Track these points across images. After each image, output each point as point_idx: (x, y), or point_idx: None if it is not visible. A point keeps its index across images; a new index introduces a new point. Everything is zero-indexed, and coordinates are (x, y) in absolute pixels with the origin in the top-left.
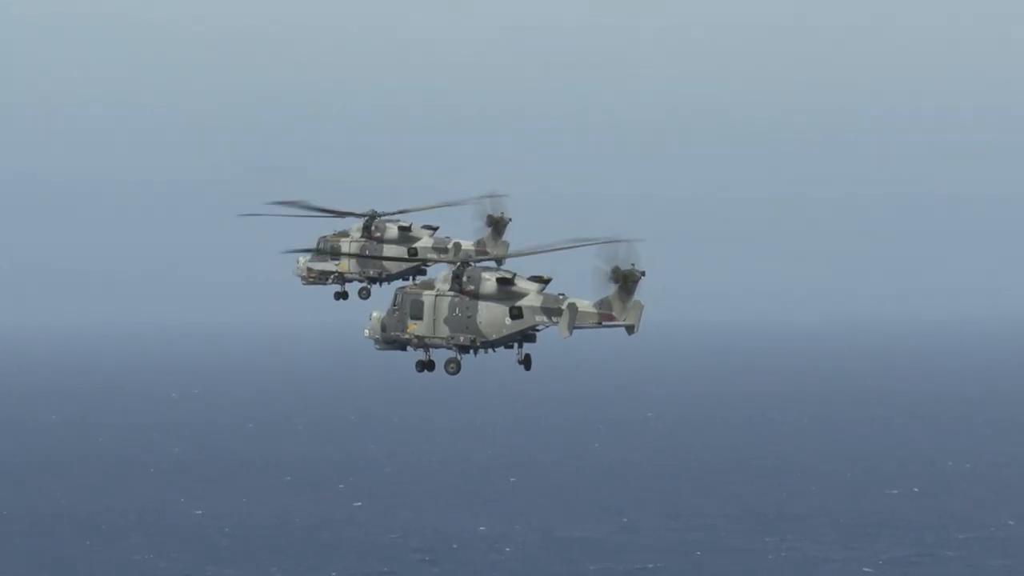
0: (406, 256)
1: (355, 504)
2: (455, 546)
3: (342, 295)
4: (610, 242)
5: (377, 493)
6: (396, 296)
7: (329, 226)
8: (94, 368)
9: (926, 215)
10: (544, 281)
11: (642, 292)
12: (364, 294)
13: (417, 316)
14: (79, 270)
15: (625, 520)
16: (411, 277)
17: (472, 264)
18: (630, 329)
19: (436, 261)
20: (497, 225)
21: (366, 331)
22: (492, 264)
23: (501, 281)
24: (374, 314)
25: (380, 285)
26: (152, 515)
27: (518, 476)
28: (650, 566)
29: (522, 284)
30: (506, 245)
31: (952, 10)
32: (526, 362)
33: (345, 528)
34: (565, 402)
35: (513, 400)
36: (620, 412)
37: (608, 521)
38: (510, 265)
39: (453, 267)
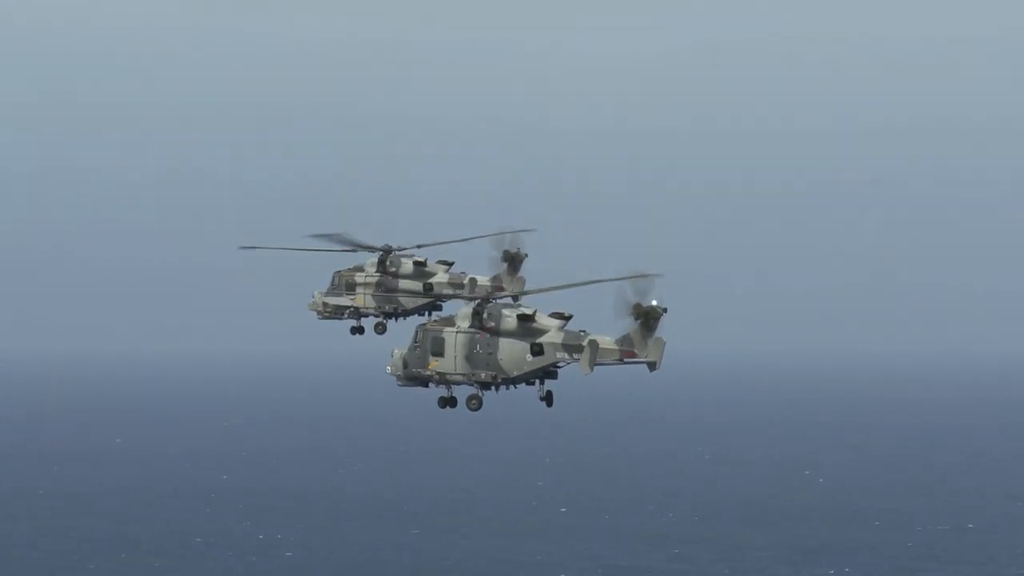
0: (421, 291)
1: (412, 531)
2: (510, 574)
3: (358, 330)
4: (630, 278)
5: (432, 521)
6: (417, 333)
7: (345, 260)
8: (140, 393)
9: None
10: (565, 318)
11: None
12: (380, 329)
13: (438, 353)
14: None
15: (677, 551)
16: (427, 312)
17: (492, 301)
18: (652, 366)
19: (452, 297)
20: (513, 261)
21: (388, 367)
22: (511, 301)
23: (522, 318)
24: (395, 351)
25: (396, 320)
26: (217, 538)
27: (568, 507)
28: None
29: (543, 321)
30: (522, 281)
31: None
32: (548, 399)
33: (403, 553)
34: (609, 431)
35: (556, 432)
36: (667, 444)
37: (660, 550)
38: (530, 301)
39: (473, 304)
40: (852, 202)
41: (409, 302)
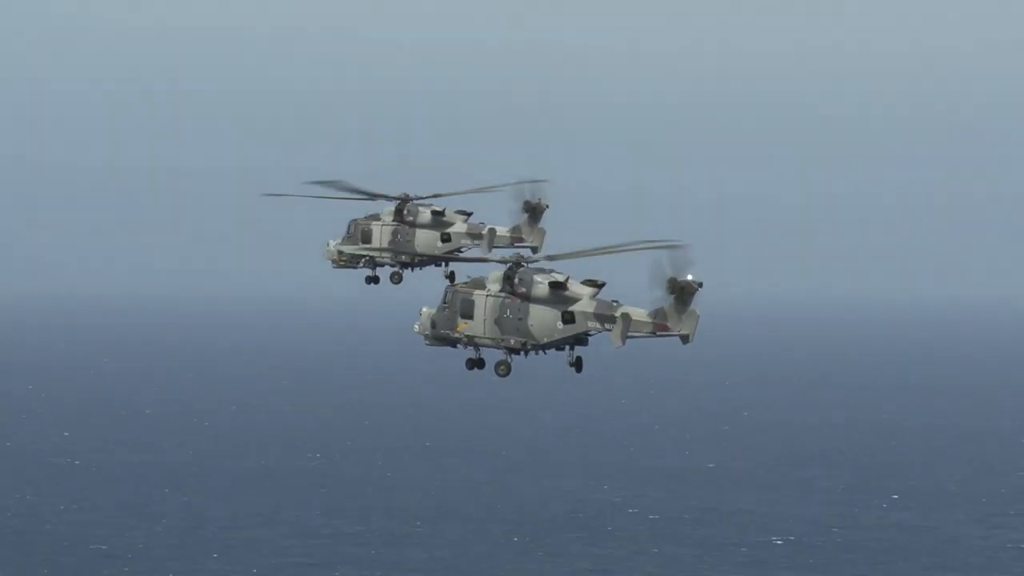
0: (439, 241)
1: (509, 475)
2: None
3: (373, 279)
4: (665, 246)
5: (525, 464)
6: (446, 294)
7: (360, 209)
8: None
9: None
10: (598, 286)
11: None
12: (396, 279)
13: (467, 315)
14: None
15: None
16: (445, 263)
17: (524, 265)
18: (685, 339)
19: (470, 248)
20: (534, 212)
21: (416, 326)
22: (544, 266)
23: (554, 285)
24: (424, 310)
25: (412, 270)
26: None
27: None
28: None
29: (575, 288)
30: (542, 232)
31: None
32: (577, 364)
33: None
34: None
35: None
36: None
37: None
38: (560, 267)
39: (505, 268)
40: None
41: (426, 252)
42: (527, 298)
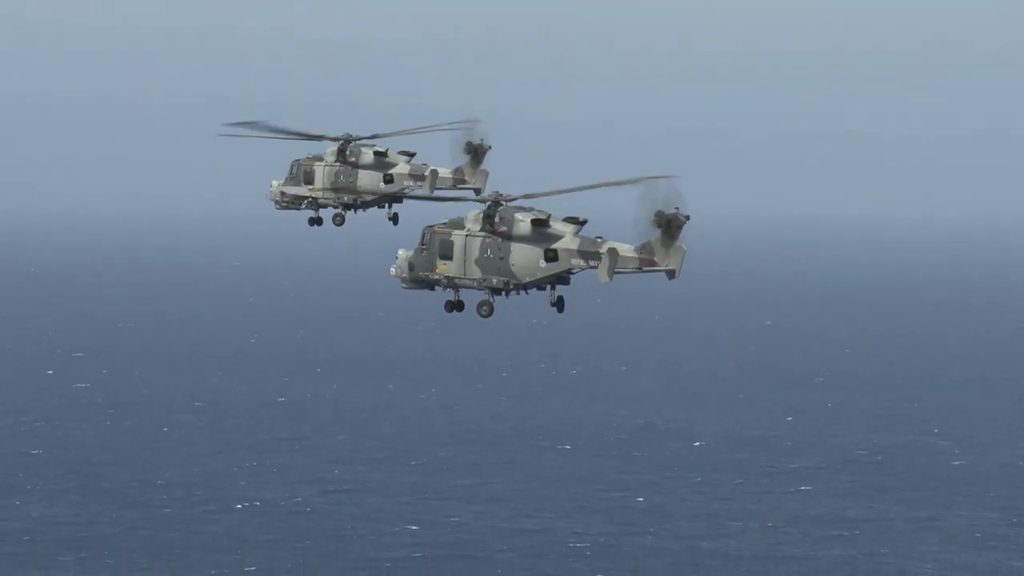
0: (381, 182)
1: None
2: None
3: (316, 221)
4: (645, 180)
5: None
6: (424, 235)
7: (303, 149)
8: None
9: None
10: (579, 223)
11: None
12: (338, 220)
13: (446, 256)
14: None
15: (790, 419)
16: (388, 205)
17: (504, 204)
18: (671, 274)
19: (412, 189)
20: (476, 153)
21: (392, 269)
22: (524, 204)
23: (536, 223)
24: (400, 252)
25: (355, 211)
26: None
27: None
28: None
29: (557, 226)
30: (485, 174)
31: None
32: (559, 304)
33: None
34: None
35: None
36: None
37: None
38: (538, 204)
39: (484, 207)
40: None
41: (368, 193)
42: (508, 237)
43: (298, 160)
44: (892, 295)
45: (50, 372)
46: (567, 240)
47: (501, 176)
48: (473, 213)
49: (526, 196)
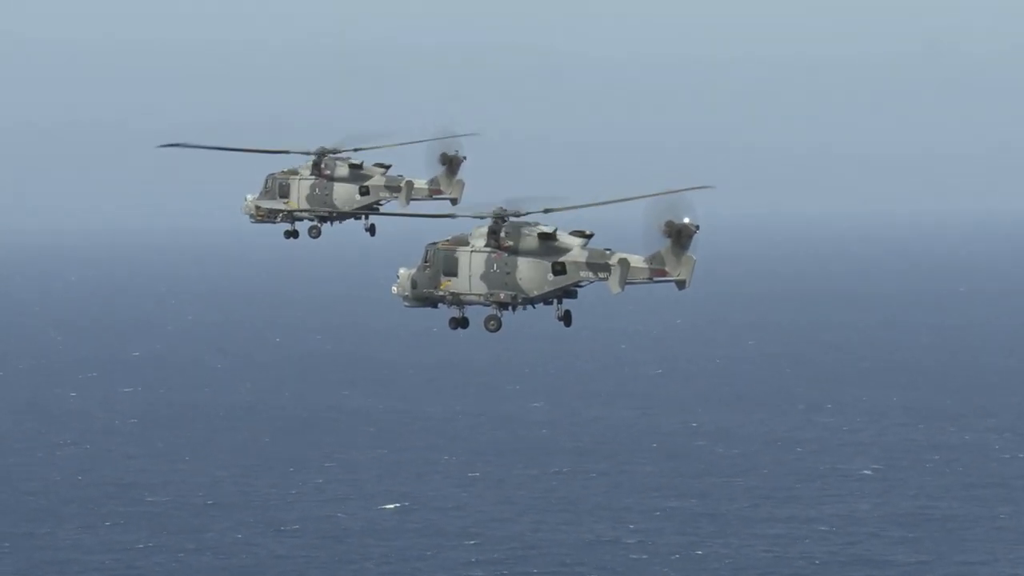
0: (357, 194)
1: (533, 404)
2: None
3: (292, 234)
4: (667, 193)
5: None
6: (427, 252)
7: (278, 164)
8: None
9: None
10: (586, 236)
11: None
12: (314, 233)
13: (451, 273)
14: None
15: (802, 407)
16: (364, 216)
17: (509, 219)
18: (681, 284)
19: (388, 200)
20: (451, 164)
21: (394, 288)
22: (531, 220)
23: (543, 236)
24: (402, 271)
25: (331, 224)
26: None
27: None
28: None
29: (565, 239)
30: (461, 184)
31: None
32: (566, 318)
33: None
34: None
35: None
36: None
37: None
38: (544, 220)
39: (489, 222)
40: None
41: (345, 206)
42: (515, 251)
43: (272, 174)
44: (928, 287)
45: (73, 395)
46: (575, 253)
47: (509, 192)
48: (477, 230)
49: (545, 211)
